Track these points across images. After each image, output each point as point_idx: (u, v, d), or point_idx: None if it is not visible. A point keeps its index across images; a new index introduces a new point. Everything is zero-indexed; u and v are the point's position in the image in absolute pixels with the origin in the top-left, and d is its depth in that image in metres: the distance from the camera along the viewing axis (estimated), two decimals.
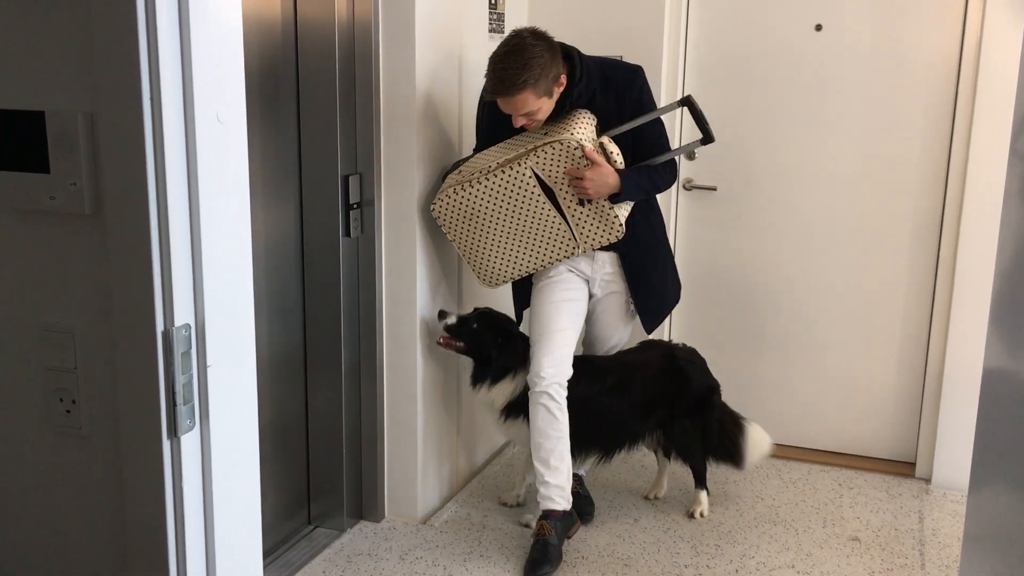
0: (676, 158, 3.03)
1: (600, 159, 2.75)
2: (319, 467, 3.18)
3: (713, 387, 3.32)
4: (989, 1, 3.26)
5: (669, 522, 3.33)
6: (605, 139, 2.83)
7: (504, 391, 3.12)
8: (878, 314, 3.76)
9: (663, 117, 2.97)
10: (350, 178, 2.98)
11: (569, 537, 3.10)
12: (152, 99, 1.26)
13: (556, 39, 2.78)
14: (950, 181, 3.53)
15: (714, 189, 3.87)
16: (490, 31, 3.44)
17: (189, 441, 1.38)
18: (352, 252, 3.07)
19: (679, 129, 3.75)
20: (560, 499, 3.02)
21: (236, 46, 1.39)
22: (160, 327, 1.32)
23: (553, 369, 2.96)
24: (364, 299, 3.12)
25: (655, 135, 2.94)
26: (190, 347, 1.36)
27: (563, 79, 2.76)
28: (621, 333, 3.26)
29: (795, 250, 3.83)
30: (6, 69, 1.36)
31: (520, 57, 2.65)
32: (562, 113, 2.85)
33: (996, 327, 1.20)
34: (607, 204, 2.84)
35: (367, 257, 3.10)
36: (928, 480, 3.66)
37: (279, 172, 2.90)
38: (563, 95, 2.81)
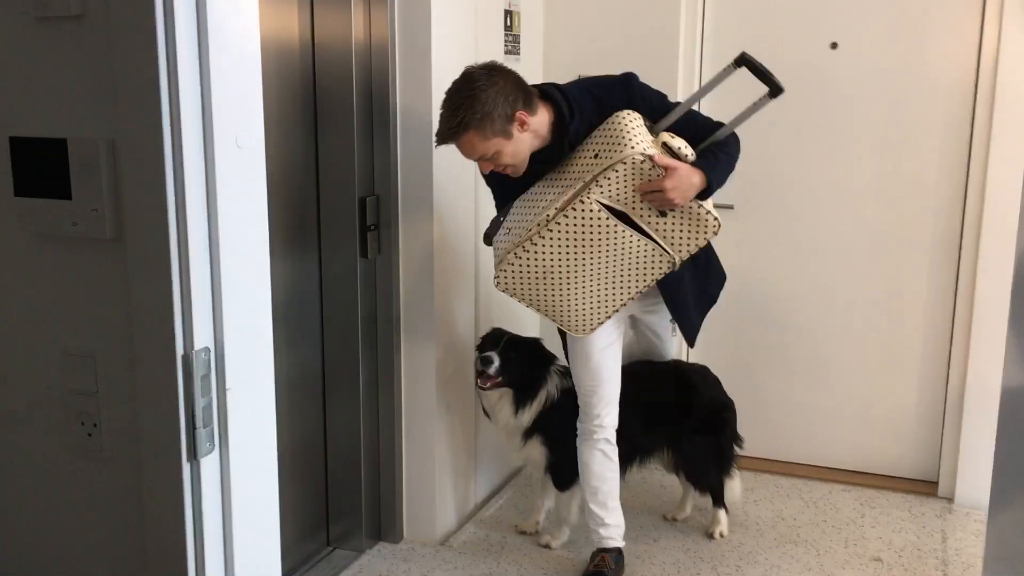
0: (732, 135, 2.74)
1: (673, 161, 2.48)
2: (337, 488, 3.18)
3: (727, 404, 3.30)
4: (1005, 17, 3.25)
5: (689, 543, 3.30)
6: (666, 136, 2.56)
7: (532, 412, 3.11)
8: (898, 332, 3.73)
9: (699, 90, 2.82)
10: (367, 200, 3.00)
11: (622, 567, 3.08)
12: (172, 125, 1.27)
13: (526, 78, 2.66)
14: (969, 198, 3.51)
15: (731, 207, 3.86)
16: (506, 52, 3.46)
17: (208, 464, 1.39)
18: (369, 273, 3.08)
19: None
20: (619, 537, 3.05)
21: (254, 72, 1.40)
22: (180, 351, 1.33)
23: (611, 419, 2.97)
24: (381, 320, 3.13)
25: (693, 119, 2.70)
26: (209, 370, 1.37)
27: (523, 116, 2.52)
28: (668, 346, 3.25)
29: (814, 268, 3.81)
30: (30, 97, 1.38)
31: (456, 98, 2.48)
32: (580, 141, 2.63)
33: (1014, 344, 1.20)
34: (695, 203, 2.56)
35: (384, 278, 3.11)
36: (951, 499, 3.62)
37: (297, 194, 2.92)
38: (560, 135, 2.61)
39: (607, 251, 2.58)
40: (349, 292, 3.02)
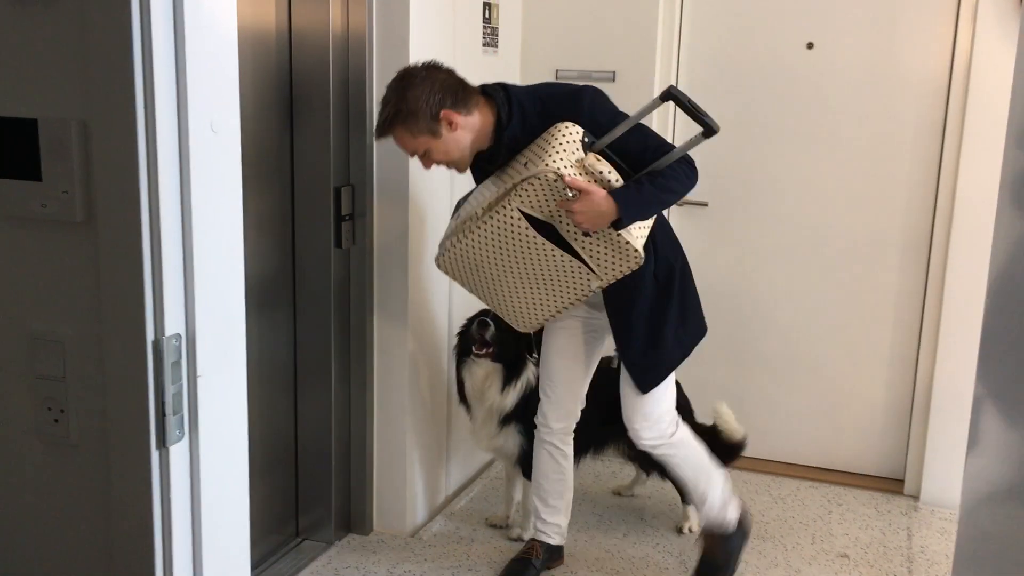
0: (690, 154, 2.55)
1: (587, 185, 2.37)
2: (307, 479, 3.16)
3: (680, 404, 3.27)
4: (979, 20, 3.29)
5: (658, 537, 3.32)
6: (592, 158, 2.44)
7: (515, 394, 3.10)
8: (867, 331, 3.77)
9: (651, 117, 2.66)
10: (342, 190, 2.98)
11: (549, 567, 3.08)
12: (146, 108, 1.26)
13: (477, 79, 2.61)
14: (939, 198, 3.55)
15: (705, 205, 3.88)
16: (484, 45, 3.45)
17: (178, 452, 1.37)
18: (343, 263, 3.06)
19: (674, 128, 3.75)
20: (555, 535, 3.05)
21: (231, 55, 1.39)
22: (151, 336, 1.31)
23: (558, 423, 2.94)
24: (355, 311, 3.12)
25: (638, 143, 2.50)
26: (180, 357, 1.35)
27: (451, 116, 2.46)
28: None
29: (785, 266, 3.84)
30: (1, 76, 1.35)
31: (388, 94, 2.50)
32: (522, 145, 2.54)
33: (987, 343, 1.21)
34: (613, 231, 2.45)
35: (358, 269, 3.09)
36: (916, 497, 3.67)
37: (272, 182, 2.89)
38: (496, 137, 2.55)
39: (530, 258, 2.53)
40: (323, 281, 3.00)
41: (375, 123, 2.55)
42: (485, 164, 2.62)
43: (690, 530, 3.34)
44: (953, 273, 3.46)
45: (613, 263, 2.51)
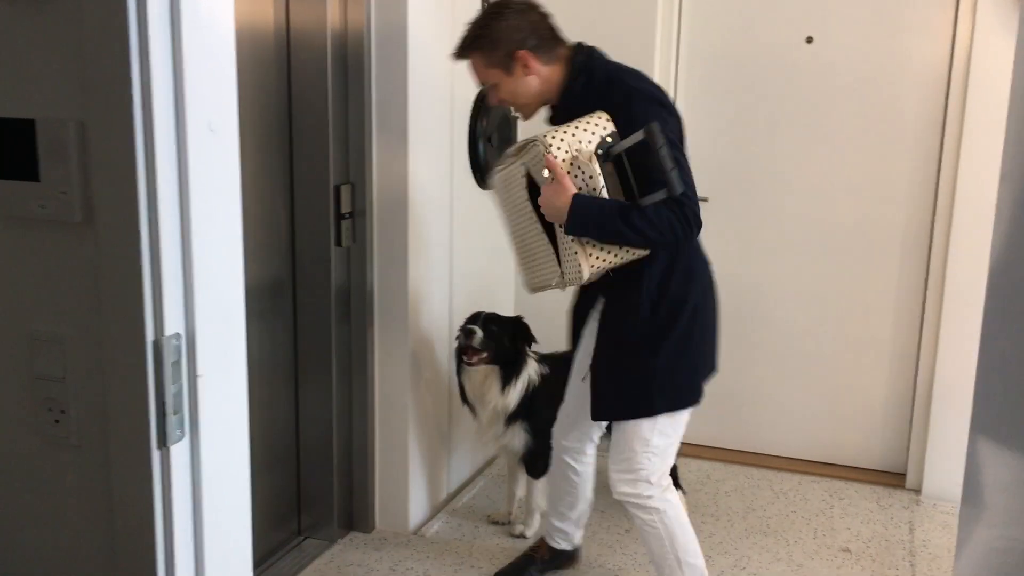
0: (675, 204, 2.23)
1: (562, 173, 2.25)
2: (309, 478, 3.17)
3: None
4: (979, 14, 3.28)
5: None
6: (587, 154, 2.27)
7: (517, 392, 3.11)
8: (868, 325, 3.77)
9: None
10: (342, 188, 2.98)
11: (559, 569, 3.05)
12: (144, 108, 1.25)
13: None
14: (940, 192, 3.54)
15: (705, 199, 3.87)
16: None
17: (179, 451, 1.37)
18: (343, 262, 3.06)
19: None
20: (562, 541, 3.02)
21: (228, 55, 1.38)
22: (150, 336, 1.31)
23: (571, 443, 2.85)
24: (355, 309, 3.12)
25: (645, 171, 2.25)
26: (180, 356, 1.35)
27: (527, 58, 2.39)
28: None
29: (785, 260, 3.84)
30: None
31: (477, 18, 2.48)
32: (576, 112, 2.39)
33: (988, 335, 1.21)
34: (571, 238, 2.30)
35: (358, 267, 3.09)
36: (918, 491, 3.67)
37: (271, 181, 2.89)
38: (563, 96, 2.46)
39: (521, 220, 2.49)
40: (323, 280, 3.00)
41: (457, 43, 2.50)
42: (551, 119, 2.56)
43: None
44: (954, 266, 3.46)
45: (568, 267, 2.37)
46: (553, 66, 2.47)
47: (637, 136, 2.19)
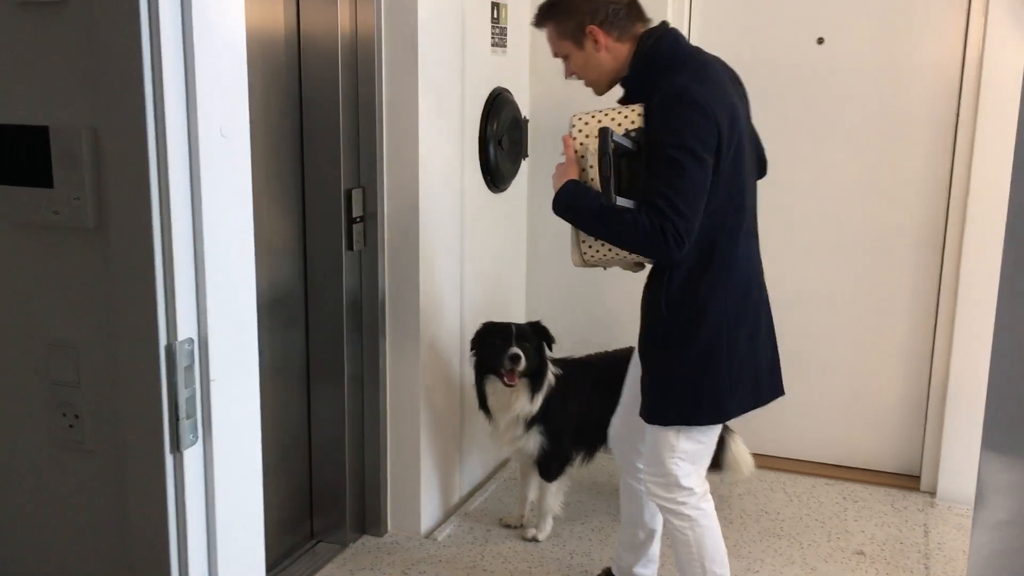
0: (658, 215, 2.15)
1: (570, 153, 2.29)
2: (321, 481, 3.17)
3: None
4: (991, 14, 3.27)
5: None
6: (596, 142, 2.25)
7: (541, 397, 3.10)
8: (882, 326, 3.75)
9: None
10: (353, 192, 2.99)
11: None
12: (156, 114, 1.26)
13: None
14: (953, 192, 3.53)
15: None
16: (493, 45, 3.45)
17: (192, 455, 1.38)
18: (355, 265, 3.07)
19: None
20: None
21: (239, 60, 1.39)
22: (163, 341, 1.31)
23: (619, 460, 2.78)
24: (367, 312, 3.12)
25: (650, 170, 2.21)
26: (193, 361, 1.35)
27: (597, 33, 2.34)
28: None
29: (798, 262, 3.82)
30: (11, 84, 1.36)
31: None
32: (633, 94, 2.39)
33: (1001, 338, 1.20)
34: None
35: (369, 270, 3.10)
36: (933, 493, 3.65)
37: (282, 186, 2.90)
38: (627, 78, 2.40)
39: None
40: (334, 284, 3.00)
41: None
42: (621, 98, 2.48)
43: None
44: (968, 267, 3.44)
45: (572, 248, 2.41)
46: (626, 44, 2.39)
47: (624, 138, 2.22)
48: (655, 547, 2.85)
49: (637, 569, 2.85)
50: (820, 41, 3.65)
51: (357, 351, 3.12)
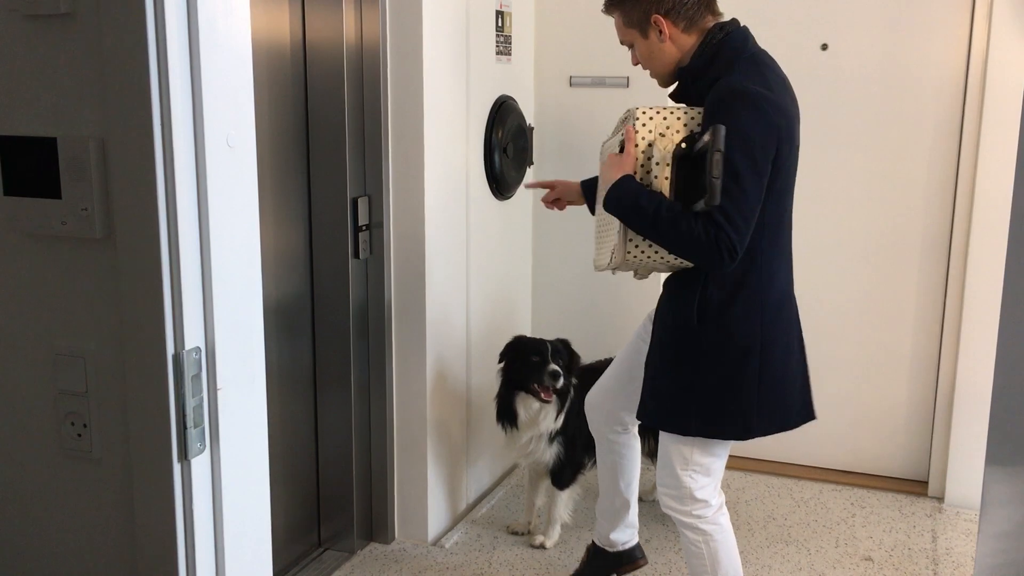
0: (712, 224, 2.09)
1: (631, 147, 2.20)
2: (329, 489, 3.18)
3: None
4: (995, 19, 3.27)
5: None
6: (666, 143, 2.18)
7: (563, 415, 3.13)
8: (888, 332, 3.74)
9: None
10: (359, 200, 3.00)
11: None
12: (163, 125, 1.27)
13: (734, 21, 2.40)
14: (958, 199, 3.52)
15: None
16: (497, 53, 3.46)
17: (199, 464, 1.38)
18: (361, 274, 3.08)
19: None
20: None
21: (246, 71, 1.40)
22: (170, 350, 1.32)
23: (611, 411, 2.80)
24: (373, 320, 3.13)
25: (727, 165, 2.07)
26: (200, 370, 1.36)
27: (662, 23, 2.28)
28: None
29: (804, 269, 3.80)
30: (19, 96, 1.37)
31: None
32: (695, 88, 2.32)
33: (1005, 343, 1.20)
34: (618, 223, 2.24)
35: (376, 279, 3.10)
36: (941, 499, 3.64)
37: (288, 195, 2.91)
38: (686, 71, 2.33)
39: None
40: (341, 292, 3.01)
41: None
42: (673, 92, 2.45)
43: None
44: (973, 272, 3.43)
45: (601, 247, 2.37)
46: (693, 35, 2.32)
47: (707, 138, 2.06)
48: (632, 514, 2.91)
49: (614, 536, 2.91)
50: (824, 47, 3.66)
51: (364, 358, 3.13)
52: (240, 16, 1.37)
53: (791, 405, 2.38)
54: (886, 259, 3.70)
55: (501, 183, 3.51)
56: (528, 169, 3.75)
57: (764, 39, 3.75)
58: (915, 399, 3.76)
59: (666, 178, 2.17)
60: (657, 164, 2.18)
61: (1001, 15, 3.25)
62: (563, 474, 3.22)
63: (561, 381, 3.02)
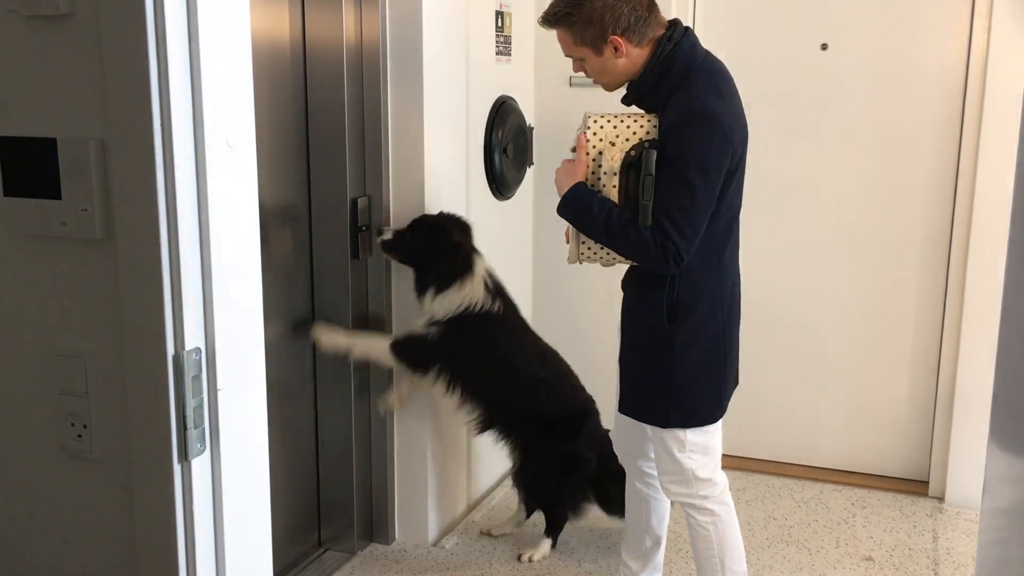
0: (661, 234, 2.22)
1: (582, 154, 2.30)
2: (329, 490, 3.17)
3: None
4: (995, 18, 3.27)
5: (681, 543, 3.31)
6: (615, 152, 2.29)
7: (445, 303, 2.93)
8: (888, 331, 3.74)
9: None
10: (359, 201, 2.99)
11: None
12: (163, 125, 1.27)
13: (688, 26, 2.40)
14: (958, 197, 3.52)
15: None
16: (497, 53, 3.46)
17: (200, 465, 1.38)
18: (361, 274, 3.08)
19: None
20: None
21: (246, 72, 1.40)
22: (171, 351, 1.32)
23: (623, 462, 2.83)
24: (373, 320, 3.13)
25: (661, 188, 2.23)
26: (200, 371, 1.36)
27: (618, 41, 2.29)
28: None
29: (804, 268, 3.82)
30: (18, 97, 1.37)
31: None
32: (644, 97, 2.39)
33: (1006, 342, 1.20)
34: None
35: (376, 279, 3.10)
36: (941, 498, 3.64)
37: (288, 195, 2.91)
38: (638, 80, 2.37)
39: None
40: (340, 292, 3.01)
41: (545, 10, 2.39)
42: (624, 97, 2.49)
43: (530, 559, 3.19)
44: (974, 271, 3.43)
45: (571, 246, 2.44)
46: (645, 48, 2.36)
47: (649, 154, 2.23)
48: (660, 555, 2.85)
49: None
50: (824, 47, 3.66)
51: (364, 359, 3.13)
52: (240, 16, 1.37)
53: (734, 369, 2.56)
54: (886, 258, 3.70)
55: (501, 183, 3.51)
56: (528, 169, 3.75)
57: (764, 39, 3.77)
58: (916, 399, 3.76)
59: (614, 187, 2.30)
60: (605, 173, 2.30)
61: (1001, 15, 3.25)
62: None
63: (386, 235, 2.93)
